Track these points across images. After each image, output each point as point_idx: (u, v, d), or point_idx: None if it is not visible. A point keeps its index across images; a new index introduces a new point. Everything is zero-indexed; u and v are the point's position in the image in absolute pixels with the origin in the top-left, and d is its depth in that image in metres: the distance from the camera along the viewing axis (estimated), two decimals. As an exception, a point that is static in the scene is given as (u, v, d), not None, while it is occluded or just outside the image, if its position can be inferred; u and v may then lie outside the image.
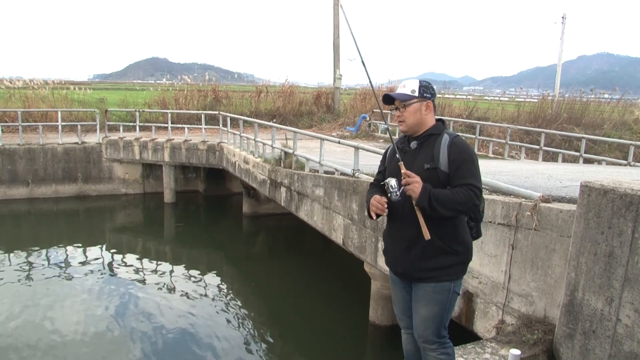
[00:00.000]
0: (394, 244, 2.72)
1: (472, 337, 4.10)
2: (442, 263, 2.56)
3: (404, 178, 2.49)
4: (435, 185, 2.48)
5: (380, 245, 5.86)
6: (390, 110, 2.72)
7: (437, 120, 2.69)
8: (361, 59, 2.91)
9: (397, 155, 2.60)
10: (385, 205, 2.57)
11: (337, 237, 7.03)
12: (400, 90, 2.66)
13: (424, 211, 2.45)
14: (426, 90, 2.63)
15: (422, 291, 2.62)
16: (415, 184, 2.44)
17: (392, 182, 2.51)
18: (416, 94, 2.61)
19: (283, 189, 9.05)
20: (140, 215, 13.79)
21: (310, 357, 6.30)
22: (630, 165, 9.65)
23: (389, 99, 2.67)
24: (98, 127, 14.26)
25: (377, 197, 2.59)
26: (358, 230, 6.40)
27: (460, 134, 12.27)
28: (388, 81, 21.04)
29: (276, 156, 9.70)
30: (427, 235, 2.45)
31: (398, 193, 2.51)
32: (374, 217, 2.66)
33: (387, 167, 2.77)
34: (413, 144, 2.66)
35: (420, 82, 2.64)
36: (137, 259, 9.73)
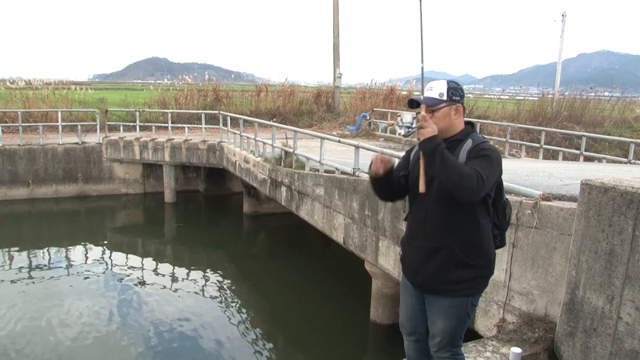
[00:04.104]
0: (412, 253, 2.57)
1: (473, 336, 4.10)
2: (462, 276, 2.42)
3: (419, 121, 2.30)
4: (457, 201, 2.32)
5: (381, 244, 5.86)
6: (417, 113, 2.46)
7: (466, 123, 2.49)
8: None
9: None
10: (390, 163, 2.45)
11: (338, 236, 7.03)
12: (426, 93, 2.45)
13: (425, 157, 2.30)
14: (455, 93, 2.42)
15: (439, 304, 2.50)
16: (428, 128, 2.25)
17: (408, 117, 2.33)
18: (444, 97, 2.40)
19: (283, 188, 9.05)
20: (141, 215, 13.80)
21: (311, 357, 6.30)
22: (631, 163, 9.64)
23: (414, 103, 2.45)
24: (98, 127, 14.26)
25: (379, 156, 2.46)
26: (359, 229, 6.40)
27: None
28: (389, 79, 21.06)
29: (276, 155, 9.70)
30: (422, 187, 2.35)
31: (410, 129, 2.33)
32: (375, 175, 2.49)
33: (412, 173, 2.58)
34: None
35: (448, 83, 2.43)
36: (138, 259, 9.73)
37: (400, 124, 2.29)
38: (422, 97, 2.44)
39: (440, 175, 2.26)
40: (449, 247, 2.37)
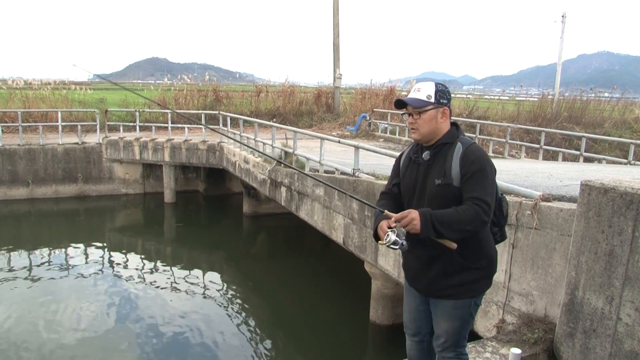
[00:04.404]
0: (413, 260, 2.56)
1: (473, 336, 4.09)
2: (464, 280, 2.41)
3: (396, 222, 2.28)
4: (449, 202, 2.30)
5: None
6: (402, 115, 2.47)
7: (452, 124, 2.47)
8: None
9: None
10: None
11: (338, 237, 7.03)
12: (413, 94, 2.43)
13: (433, 235, 2.26)
14: (443, 96, 2.41)
15: (443, 306, 2.50)
16: (413, 221, 2.22)
17: (392, 237, 2.26)
18: (432, 100, 2.38)
19: (283, 189, 9.05)
20: (141, 215, 13.79)
21: (311, 357, 6.30)
22: (631, 164, 9.64)
23: (401, 104, 2.43)
24: (98, 127, 14.25)
25: (384, 225, 2.36)
26: (358, 229, 6.40)
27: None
28: (389, 80, 21.08)
29: (276, 156, 9.70)
30: (452, 245, 2.27)
31: (405, 243, 2.26)
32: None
33: (403, 180, 2.56)
34: (425, 155, 2.45)
35: (436, 85, 2.42)
36: (138, 259, 9.73)
37: (394, 247, 2.26)
38: (409, 98, 2.43)
39: (453, 235, 2.25)
40: (447, 254, 2.33)
